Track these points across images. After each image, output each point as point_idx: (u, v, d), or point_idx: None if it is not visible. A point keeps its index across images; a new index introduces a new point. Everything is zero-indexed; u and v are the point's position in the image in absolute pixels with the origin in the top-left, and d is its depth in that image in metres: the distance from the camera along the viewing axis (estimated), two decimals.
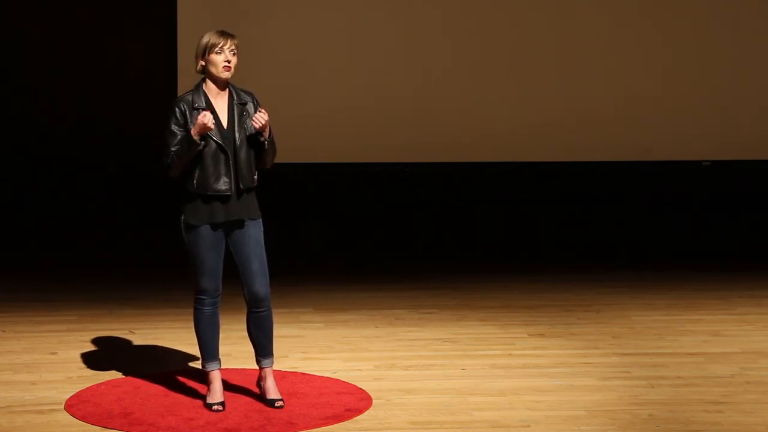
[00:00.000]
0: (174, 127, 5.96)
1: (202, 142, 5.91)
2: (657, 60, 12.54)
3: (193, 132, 5.89)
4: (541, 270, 9.76)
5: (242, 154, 5.98)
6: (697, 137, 12.69)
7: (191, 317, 7.87)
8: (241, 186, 5.97)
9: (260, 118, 5.92)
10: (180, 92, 11.94)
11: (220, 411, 6.04)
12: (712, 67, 12.60)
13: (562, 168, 12.71)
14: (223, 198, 5.97)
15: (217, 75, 5.99)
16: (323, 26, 12.26)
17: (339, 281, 9.30)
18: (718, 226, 11.97)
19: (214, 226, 6.00)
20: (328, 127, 12.18)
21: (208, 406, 6.08)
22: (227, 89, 6.06)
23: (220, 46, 5.96)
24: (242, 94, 6.08)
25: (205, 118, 5.85)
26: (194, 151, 5.91)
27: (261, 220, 6.10)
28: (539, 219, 12.21)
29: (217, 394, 6.12)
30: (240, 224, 6.03)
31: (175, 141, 5.93)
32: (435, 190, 12.69)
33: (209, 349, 6.14)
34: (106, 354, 7.16)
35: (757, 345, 7.44)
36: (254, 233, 6.05)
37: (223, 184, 5.96)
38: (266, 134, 5.98)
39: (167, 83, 12.02)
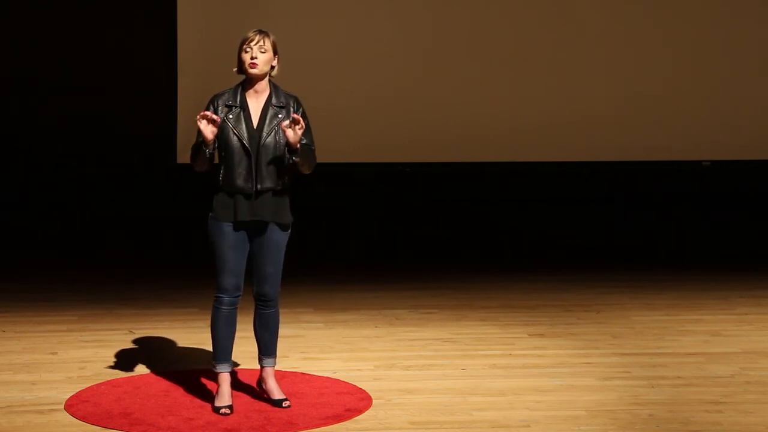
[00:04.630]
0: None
1: (207, 149, 5.88)
2: (657, 60, 12.54)
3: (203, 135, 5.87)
4: (541, 270, 9.76)
5: (265, 154, 5.93)
6: (697, 137, 12.69)
7: (191, 317, 7.88)
8: (259, 186, 5.94)
9: (291, 126, 5.82)
10: (180, 92, 11.99)
11: (227, 414, 6.01)
12: (712, 67, 12.60)
13: (562, 168, 12.71)
14: (246, 196, 5.96)
15: (245, 72, 5.98)
16: (323, 26, 12.26)
17: (339, 281, 9.30)
18: (718, 226, 11.98)
19: (238, 225, 5.99)
20: (327, 127, 12.15)
21: (216, 409, 6.04)
22: (269, 89, 6.03)
23: (248, 42, 5.95)
24: (283, 97, 6.03)
25: (200, 122, 5.81)
26: (203, 153, 5.90)
27: (289, 225, 6.07)
28: (539, 219, 12.21)
29: (225, 397, 6.08)
30: (265, 225, 6.00)
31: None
32: (435, 190, 12.69)
33: (222, 350, 6.10)
34: (106, 354, 7.16)
35: (757, 345, 7.45)
36: (277, 237, 6.01)
37: (244, 183, 5.94)
38: (295, 144, 5.88)
39: (167, 83, 12.02)
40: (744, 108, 12.65)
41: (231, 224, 5.98)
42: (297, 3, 12.22)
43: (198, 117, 5.84)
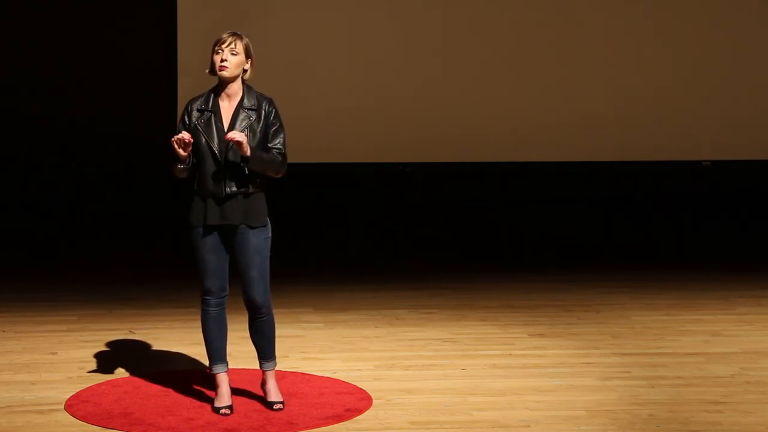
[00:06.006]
0: (180, 128, 5.96)
1: (181, 165, 5.88)
2: (657, 60, 12.55)
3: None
4: (541, 270, 9.76)
5: (234, 158, 5.89)
6: (697, 137, 12.70)
7: (191, 317, 7.88)
8: (228, 190, 5.92)
9: (233, 135, 5.79)
10: (180, 92, 11.99)
11: (227, 415, 6.00)
12: (712, 67, 12.61)
13: (562, 168, 12.71)
14: (216, 200, 5.94)
15: (216, 74, 5.95)
16: (323, 26, 12.26)
17: (339, 281, 9.30)
18: (718, 226, 11.98)
19: (211, 228, 5.98)
20: (328, 127, 12.18)
21: (215, 410, 6.04)
22: (241, 92, 5.99)
23: (219, 44, 5.93)
24: (255, 98, 5.98)
25: (176, 142, 5.80)
26: (178, 164, 5.90)
27: (267, 227, 6.02)
28: (539, 219, 12.21)
29: (224, 397, 6.07)
30: (237, 229, 5.96)
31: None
32: (435, 190, 12.69)
33: (216, 351, 6.09)
34: (106, 354, 7.16)
35: (757, 345, 7.44)
36: (254, 240, 5.96)
37: (214, 186, 5.92)
38: (245, 152, 5.82)
39: (167, 83, 12.03)
40: (744, 108, 12.66)
41: (206, 227, 5.96)
42: (297, 3, 12.22)
43: (172, 140, 5.83)
